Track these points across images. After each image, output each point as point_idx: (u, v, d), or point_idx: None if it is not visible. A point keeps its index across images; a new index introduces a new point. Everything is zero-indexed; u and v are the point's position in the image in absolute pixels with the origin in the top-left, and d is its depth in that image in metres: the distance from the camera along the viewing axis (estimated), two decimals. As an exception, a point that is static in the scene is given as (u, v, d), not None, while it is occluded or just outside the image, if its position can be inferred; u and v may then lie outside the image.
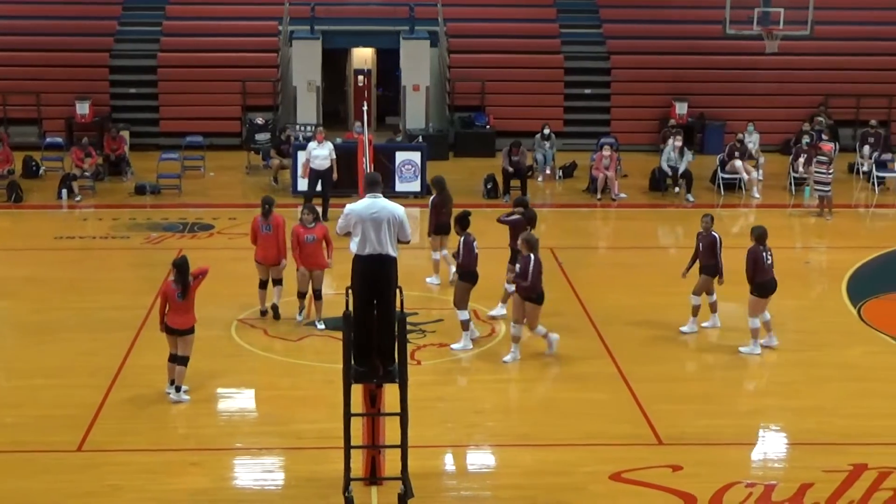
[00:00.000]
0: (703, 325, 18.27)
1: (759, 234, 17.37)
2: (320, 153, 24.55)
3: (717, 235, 18.21)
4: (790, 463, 14.12)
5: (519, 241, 16.76)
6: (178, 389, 15.24)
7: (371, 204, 11.95)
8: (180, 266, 15.09)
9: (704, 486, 13.09)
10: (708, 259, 18.09)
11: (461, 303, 17.10)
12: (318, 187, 24.32)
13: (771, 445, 14.72)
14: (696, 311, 18.12)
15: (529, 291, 16.39)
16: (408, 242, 12.35)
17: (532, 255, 16.37)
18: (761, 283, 17.18)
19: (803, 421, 15.14)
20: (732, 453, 14.28)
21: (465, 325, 17.18)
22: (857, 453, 13.98)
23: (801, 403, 15.70)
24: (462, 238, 17.24)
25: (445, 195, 20.13)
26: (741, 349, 17.45)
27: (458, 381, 16.15)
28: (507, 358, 16.66)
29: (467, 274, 17.23)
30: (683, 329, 18.13)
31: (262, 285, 18.13)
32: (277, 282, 18.05)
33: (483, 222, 25.04)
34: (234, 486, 13.20)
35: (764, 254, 17.22)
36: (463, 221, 17.47)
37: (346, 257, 12.24)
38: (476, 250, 17.32)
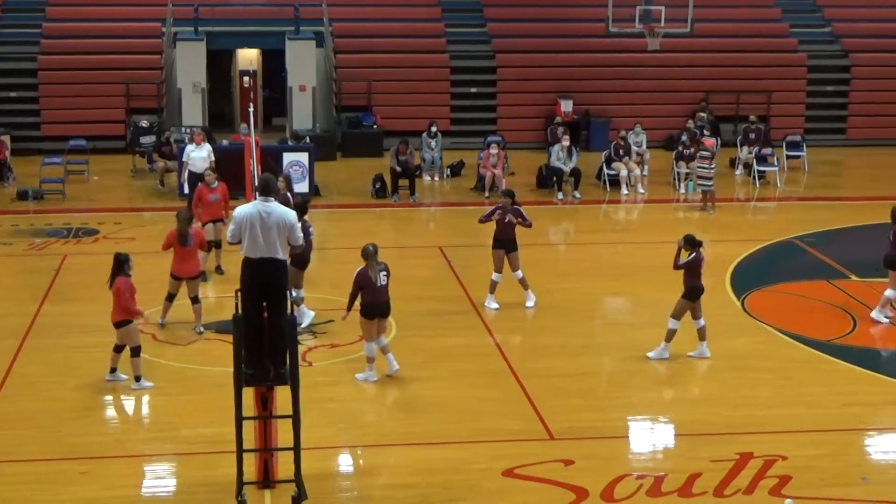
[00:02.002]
0: (690, 354, 17.20)
1: (689, 240, 17.19)
2: (198, 156, 24.34)
3: (702, 254, 17.28)
4: (679, 454, 14.34)
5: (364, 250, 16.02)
6: (137, 379, 15.49)
7: (261, 207, 11.89)
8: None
9: (596, 480, 13.24)
10: (693, 281, 17.12)
11: (294, 285, 17.34)
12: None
13: (660, 437, 14.94)
14: (670, 335, 17.14)
15: (355, 305, 15.98)
16: (300, 246, 12.35)
17: (361, 269, 15.81)
18: (691, 288, 17.14)
19: (691, 412, 15.39)
20: (622, 446, 14.48)
21: (297, 302, 17.34)
22: (744, 442, 14.25)
23: (689, 395, 15.97)
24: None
25: None
26: (690, 354, 17.21)
27: (351, 381, 16.11)
28: (360, 375, 16.16)
29: (299, 258, 17.34)
30: (650, 354, 17.21)
31: (170, 298, 17.88)
32: (195, 300, 17.74)
33: (373, 222, 25.12)
34: (124, 494, 13.01)
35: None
36: (302, 208, 17.52)
37: (237, 259, 12.17)
38: (311, 237, 17.50)
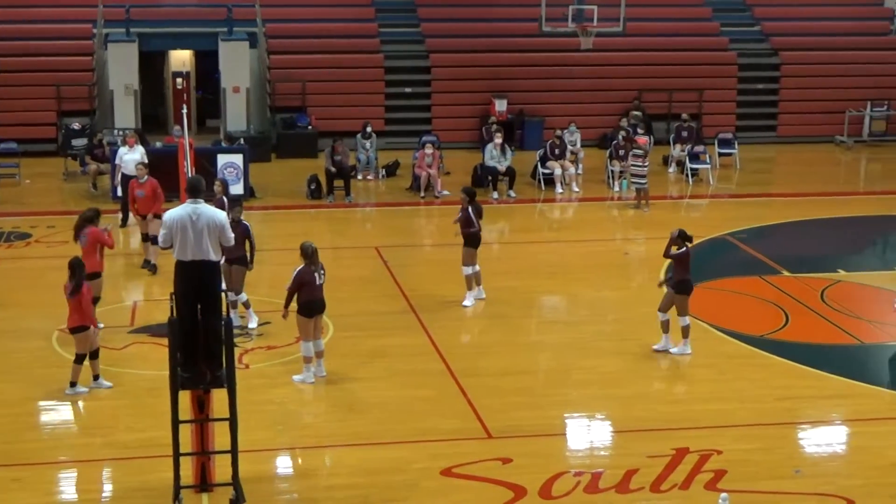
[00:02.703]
0: (672, 350, 17.38)
1: (681, 234, 17.33)
2: (131, 158, 24.18)
3: (688, 249, 17.36)
4: (616, 450, 14.45)
5: (302, 248, 15.99)
6: (95, 378, 15.54)
7: (190, 210, 11.83)
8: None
9: (534, 478, 13.30)
10: (683, 274, 17.25)
11: (238, 286, 17.76)
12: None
13: (597, 434, 15.04)
14: (665, 327, 17.31)
15: (291, 303, 15.95)
16: (231, 245, 12.35)
17: (300, 268, 15.79)
18: (681, 280, 17.25)
19: (627, 409, 15.50)
20: (560, 444, 14.56)
21: (233, 305, 17.61)
22: (680, 438, 14.38)
23: (625, 392, 16.07)
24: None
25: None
26: (672, 350, 17.36)
27: (288, 383, 16.06)
28: (297, 377, 16.13)
29: (241, 259, 17.65)
30: (656, 347, 17.41)
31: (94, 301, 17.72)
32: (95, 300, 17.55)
33: (309, 223, 25.05)
34: (59, 501, 12.90)
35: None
36: (233, 205, 17.72)
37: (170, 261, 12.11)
38: (253, 240, 17.80)
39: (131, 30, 32.73)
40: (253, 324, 17.99)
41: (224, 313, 12.08)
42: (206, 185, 12.36)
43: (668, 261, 17.82)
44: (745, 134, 33.33)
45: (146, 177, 21.44)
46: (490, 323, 18.93)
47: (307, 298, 15.82)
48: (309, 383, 16.00)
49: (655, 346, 17.49)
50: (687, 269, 17.21)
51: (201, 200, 11.97)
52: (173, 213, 11.92)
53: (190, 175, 21.20)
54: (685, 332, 17.31)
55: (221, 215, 12.00)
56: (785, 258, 22.34)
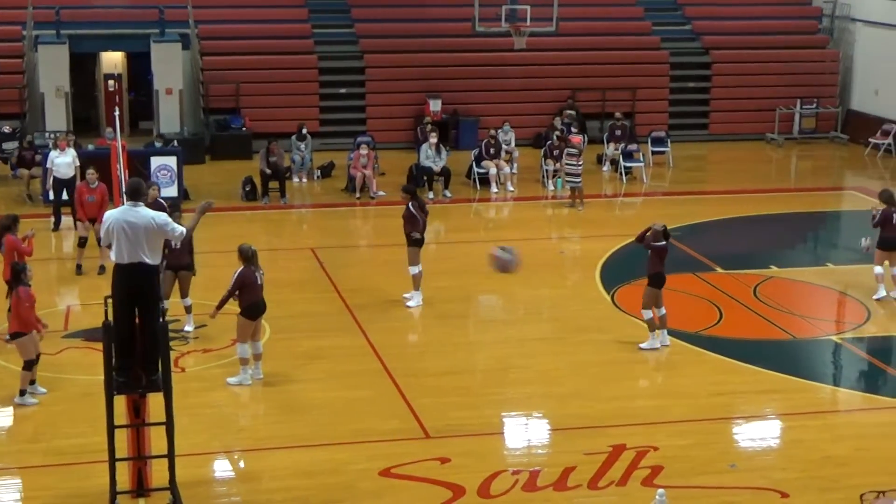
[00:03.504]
0: (641, 345, 17.62)
1: (664, 230, 17.45)
2: (63, 161, 23.94)
3: (666, 244, 17.49)
4: (553, 448, 14.54)
5: (240, 250, 15.93)
6: (21, 393, 15.31)
7: (128, 212, 11.75)
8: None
9: (472, 477, 13.35)
10: (658, 267, 17.41)
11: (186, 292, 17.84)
12: (65, 196, 23.68)
13: (534, 432, 15.12)
14: (651, 325, 17.52)
15: (224, 302, 15.85)
16: (181, 237, 12.22)
17: (241, 269, 15.71)
18: (655, 273, 17.41)
19: (564, 407, 15.60)
20: (498, 443, 14.62)
21: (188, 310, 17.74)
22: (616, 435, 14.50)
23: (562, 390, 16.16)
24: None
25: None
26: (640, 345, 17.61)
27: (225, 386, 15.99)
28: (232, 380, 16.02)
29: (188, 265, 17.74)
30: (643, 346, 17.59)
31: None
32: None
33: (244, 225, 24.92)
34: (-6, 508, 12.79)
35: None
36: (173, 209, 17.57)
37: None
38: (192, 244, 17.59)
39: (62, 31, 32.36)
40: (189, 327, 17.89)
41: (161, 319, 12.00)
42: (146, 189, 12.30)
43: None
44: (677, 132, 33.56)
45: (97, 182, 21.22)
46: (428, 323, 18.97)
47: (251, 300, 15.76)
48: (245, 385, 15.94)
49: (642, 345, 17.65)
50: (662, 263, 17.41)
51: (141, 204, 11.89)
52: (113, 213, 11.87)
53: (123, 178, 21.11)
54: (663, 321, 17.56)
55: (161, 216, 11.93)
56: (718, 255, 22.56)
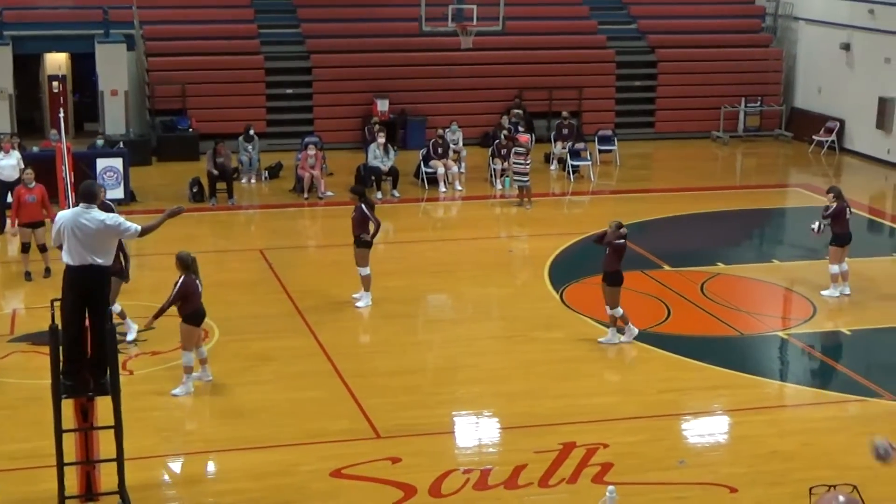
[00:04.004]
0: (600, 340, 17.84)
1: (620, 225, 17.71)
2: (7, 163, 23.71)
3: (625, 241, 17.76)
4: (504, 447, 14.58)
5: (179, 258, 15.78)
6: None
7: (80, 214, 11.67)
8: None
9: (423, 476, 13.36)
10: (616, 265, 17.61)
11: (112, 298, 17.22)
12: (9, 198, 23.42)
13: (485, 431, 15.16)
14: (613, 321, 17.75)
15: (166, 310, 15.69)
16: (135, 235, 12.01)
17: (182, 278, 15.58)
18: (611, 272, 17.51)
19: (514, 405, 15.64)
20: (448, 442, 14.65)
21: (122, 315, 17.36)
22: (566, 432, 14.56)
23: (512, 388, 16.20)
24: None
25: None
26: (600, 340, 17.78)
27: (174, 389, 15.89)
28: (177, 391, 15.73)
29: (118, 272, 16.92)
30: (601, 340, 17.78)
31: None
32: None
33: (192, 226, 24.77)
34: (-60, 515, 12.65)
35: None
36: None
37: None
38: (126, 251, 17.33)
39: (5, 33, 32.05)
40: (132, 335, 17.66)
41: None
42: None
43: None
44: (624, 130, 33.75)
45: (34, 182, 20.89)
46: (377, 323, 18.96)
47: (194, 308, 15.66)
48: (191, 393, 15.77)
49: (602, 339, 17.79)
50: (620, 261, 17.55)
51: (94, 206, 11.80)
52: (65, 215, 11.80)
53: (68, 180, 20.96)
54: (614, 320, 17.68)
55: (113, 216, 11.86)
56: (665, 253, 22.70)
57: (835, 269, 20.04)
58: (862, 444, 14.34)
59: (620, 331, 17.78)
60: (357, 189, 20.04)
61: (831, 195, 20.25)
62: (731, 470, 13.75)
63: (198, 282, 15.69)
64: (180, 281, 15.57)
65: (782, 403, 16.35)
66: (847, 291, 20.08)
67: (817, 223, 20.20)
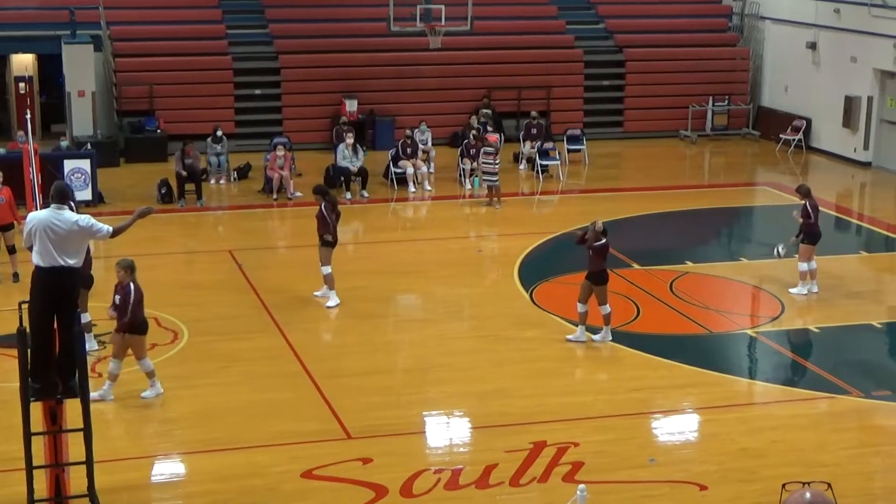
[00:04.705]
0: (594, 338, 17.82)
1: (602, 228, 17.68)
2: None
3: (606, 241, 17.70)
4: (475, 446, 14.59)
5: (116, 268, 15.54)
6: None
7: (52, 215, 11.60)
8: None
9: (395, 476, 13.35)
10: (600, 265, 17.64)
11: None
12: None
13: (455, 431, 15.16)
14: (583, 318, 17.76)
15: (131, 323, 15.35)
16: (107, 236, 11.92)
17: (132, 284, 15.33)
18: (596, 271, 17.56)
19: (485, 405, 15.65)
20: (419, 442, 14.65)
21: (87, 328, 16.90)
22: (537, 432, 14.58)
23: (483, 388, 16.21)
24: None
25: None
26: (594, 338, 17.79)
27: (143, 390, 15.83)
28: (96, 395, 14.87)
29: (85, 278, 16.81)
30: (570, 337, 17.84)
31: None
32: None
33: (160, 227, 24.68)
34: None
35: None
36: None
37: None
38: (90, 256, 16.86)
39: (-30, 34, 31.89)
40: (91, 345, 17.13)
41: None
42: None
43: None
44: (592, 130, 33.83)
45: (1, 184, 20.71)
46: (347, 323, 18.93)
47: (143, 316, 15.37)
48: (161, 394, 15.66)
49: (570, 337, 17.85)
50: (605, 260, 17.63)
51: (66, 207, 11.73)
52: (37, 215, 11.71)
53: (36, 181, 20.86)
54: (607, 319, 17.72)
55: (85, 217, 11.79)
56: (634, 251, 22.75)
57: (804, 266, 20.15)
58: (832, 441, 14.51)
59: (595, 330, 17.78)
60: (319, 188, 20.06)
61: (801, 193, 20.40)
62: (702, 468, 13.80)
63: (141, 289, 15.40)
64: (132, 288, 15.24)
65: (752, 401, 16.42)
66: (815, 289, 20.19)
67: (781, 249, 20.44)
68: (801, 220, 20.13)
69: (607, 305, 17.74)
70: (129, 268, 15.40)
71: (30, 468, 11.69)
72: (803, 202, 20.11)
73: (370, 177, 27.91)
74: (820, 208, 20.61)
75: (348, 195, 27.08)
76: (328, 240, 19.28)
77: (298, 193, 27.13)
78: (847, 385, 16.42)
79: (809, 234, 20.09)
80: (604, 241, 17.65)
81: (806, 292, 20.13)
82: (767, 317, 19.42)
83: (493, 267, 22.62)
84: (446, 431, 15.11)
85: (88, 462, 11.80)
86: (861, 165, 31.34)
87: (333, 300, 19.42)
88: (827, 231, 21.95)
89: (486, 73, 34.39)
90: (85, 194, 25.57)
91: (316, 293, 19.65)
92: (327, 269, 19.40)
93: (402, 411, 15.38)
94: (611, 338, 17.80)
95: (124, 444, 14.19)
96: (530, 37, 35.66)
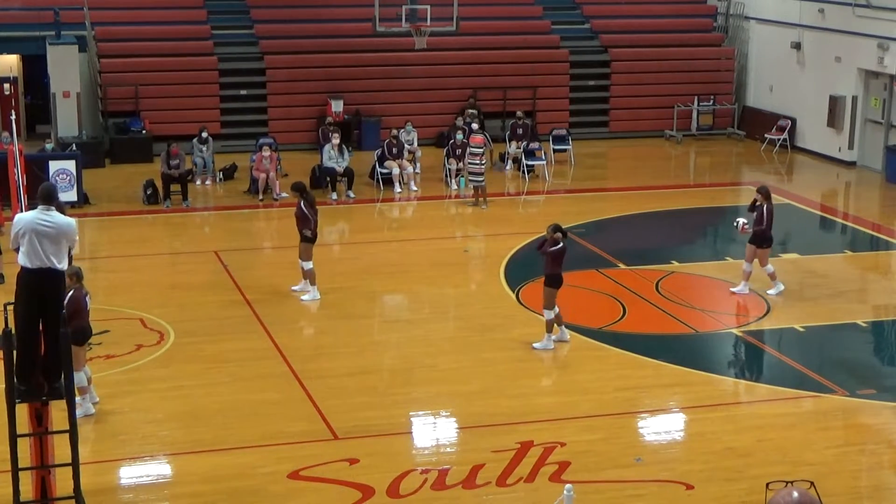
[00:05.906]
0: (535, 345, 17.69)
1: (557, 227, 17.63)
2: None
3: (564, 244, 17.70)
4: (461, 446, 14.60)
5: (68, 274, 14.34)
6: None
7: (40, 216, 11.57)
8: None
9: (381, 477, 13.36)
10: (556, 269, 17.54)
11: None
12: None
13: (442, 431, 15.17)
14: (549, 325, 17.64)
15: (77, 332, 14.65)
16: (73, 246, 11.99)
17: (73, 290, 14.60)
18: (552, 274, 17.48)
19: (471, 405, 15.66)
20: (406, 442, 14.65)
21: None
22: (524, 431, 14.60)
23: (469, 388, 16.23)
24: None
25: None
26: (534, 345, 17.68)
27: (129, 391, 15.82)
28: (80, 412, 14.41)
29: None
30: (536, 345, 17.67)
31: None
32: None
33: (146, 228, 24.68)
34: None
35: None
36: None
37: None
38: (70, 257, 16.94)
39: (-46, 35, 31.80)
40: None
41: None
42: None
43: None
44: (578, 130, 33.86)
45: None
46: (333, 324, 18.93)
47: (82, 324, 14.78)
48: (90, 415, 15.14)
49: (536, 345, 17.70)
50: (560, 265, 17.53)
51: (53, 208, 11.71)
52: (25, 216, 11.67)
53: (21, 182, 20.79)
54: (548, 325, 17.62)
55: (72, 222, 11.78)
56: (620, 251, 22.81)
57: (747, 266, 20.13)
58: (817, 440, 14.56)
59: (551, 329, 17.75)
60: (297, 185, 20.17)
61: (761, 194, 20.29)
62: (688, 467, 13.84)
63: (87, 296, 15.10)
64: (69, 295, 14.10)
65: (737, 400, 16.47)
66: (772, 291, 20.22)
67: (741, 220, 20.49)
68: (747, 230, 20.15)
69: (551, 311, 17.54)
70: (73, 275, 14.63)
71: (15, 470, 11.66)
72: (761, 204, 20.04)
73: (356, 177, 27.90)
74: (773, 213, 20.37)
75: (334, 196, 27.08)
76: (308, 235, 19.48)
77: (284, 194, 27.08)
78: (832, 384, 16.48)
79: (761, 238, 20.01)
80: (561, 245, 17.59)
81: (747, 291, 20.13)
82: (753, 316, 19.46)
83: (479, 267, 22.63)
84: (433, 431, 15.12)
85: (74, 464, 11.77)
86: (846, 165, 31.42)
87: (312, 294, 19.46)
88: (812, 230, 22.05)
89: (471, 74, 34.41)
90: (70, 195, 25.50)
91: (294, 287, 19.71)
92: (309, 265, 19.50)
93: (389, 411, 15.38)
94: (552, 345, 17.66)
95: (110, 445, 14.17)
96: (516, 37, 35.69)
